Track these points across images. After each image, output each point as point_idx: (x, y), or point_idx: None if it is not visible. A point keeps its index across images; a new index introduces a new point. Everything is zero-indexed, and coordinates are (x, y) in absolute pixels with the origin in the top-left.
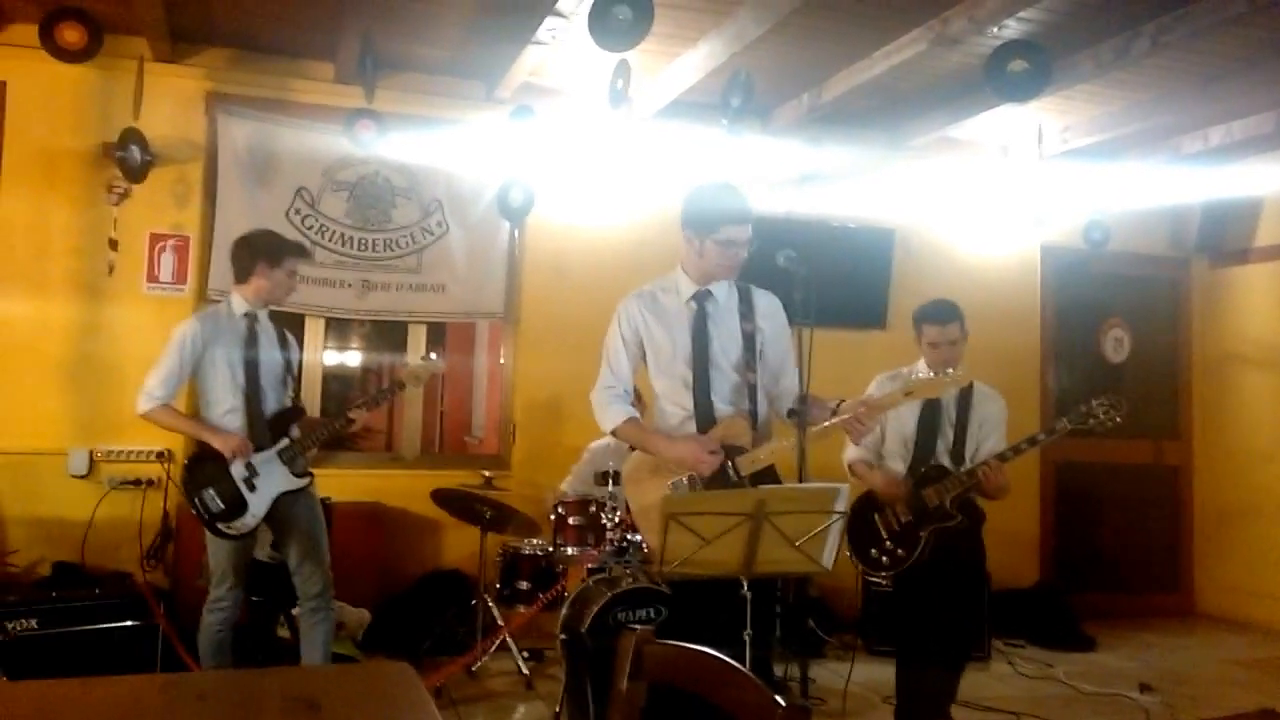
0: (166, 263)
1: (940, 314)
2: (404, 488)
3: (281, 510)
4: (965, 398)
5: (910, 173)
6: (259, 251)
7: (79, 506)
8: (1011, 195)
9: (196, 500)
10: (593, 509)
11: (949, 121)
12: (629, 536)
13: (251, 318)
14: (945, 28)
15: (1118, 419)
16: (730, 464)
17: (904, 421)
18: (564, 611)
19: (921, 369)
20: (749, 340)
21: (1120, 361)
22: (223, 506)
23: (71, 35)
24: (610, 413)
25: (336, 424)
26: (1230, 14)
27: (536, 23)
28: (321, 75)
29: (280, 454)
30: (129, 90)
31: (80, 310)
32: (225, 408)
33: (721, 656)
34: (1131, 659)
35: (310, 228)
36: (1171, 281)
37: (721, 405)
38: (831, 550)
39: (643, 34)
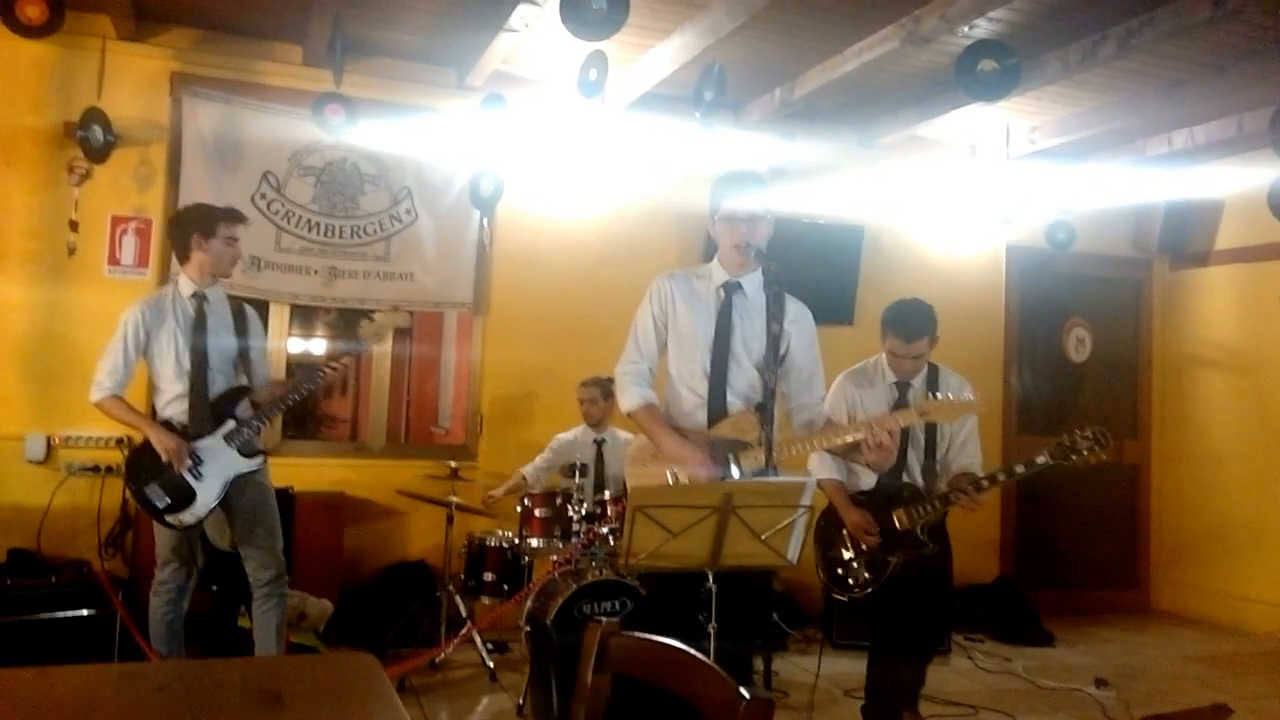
0: (128, 246)
1: (907, 330)
2: (369, 478)
3: (232, 495)
4: (931, 390)
5: (880, 170)
6: (190, 225)
7: (36, 492)
8: (979, 195)
9: (140, 496)
10: (559, 501)
11: (919, 120)
12: (596, 528)
13: (200, 298)
14: (917, 26)
15: (1103, 456)
16: (730, 458)
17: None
18: (529, 603)
19: (885, 368)
20: (774, 341)
21: (1082, 361)
22: (169, 501)
23: (32, 11)
24: (628, 395)
25: (291, 397)
26: (1195, 20)
27: (509, 10)
28: (289, 58)
29: (227, 437)
30: (92, 69)
31: (39, 293)
32: (173, 394)
33: (686, 649)
34: (1089, 654)
35: (276, 213)
36: (1133, 282)
37: (734, 399)
38: (797, 544)
39: (618, 25)
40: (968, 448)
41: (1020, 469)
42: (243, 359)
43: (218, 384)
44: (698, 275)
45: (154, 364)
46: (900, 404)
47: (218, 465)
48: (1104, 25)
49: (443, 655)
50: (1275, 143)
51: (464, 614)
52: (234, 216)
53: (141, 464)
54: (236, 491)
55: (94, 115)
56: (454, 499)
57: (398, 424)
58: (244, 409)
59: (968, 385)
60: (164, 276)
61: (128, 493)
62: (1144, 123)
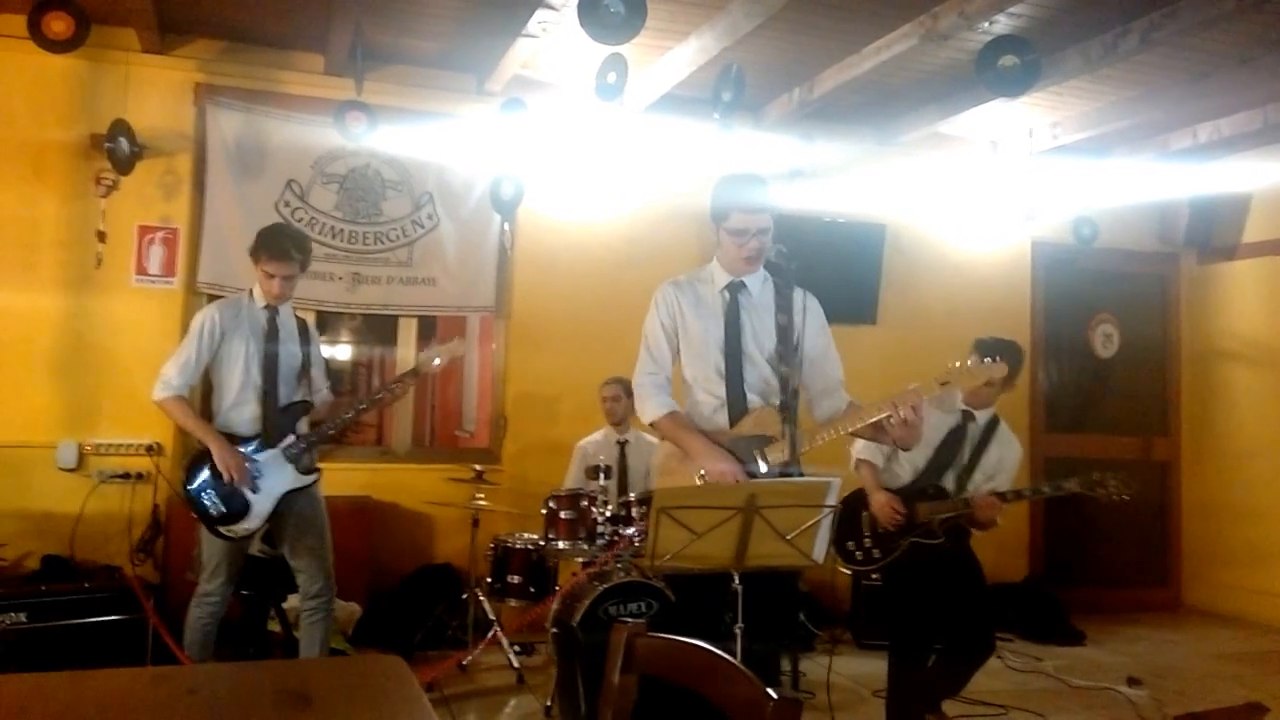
0: (155, 255)
1: (985, 348)
2: (395, 482)
3: (284, 508)
4: (989, 433)
5: (901, 168)
6: (251, 247)
7: (68, 500)
8: (1002, 191)
9: (196, 503)
10: (584, 503)
11: (939, 117)
12: (621, 530)
13: (272, 310)
14: (936, 23)
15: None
16: (756, 454)
17: (929, 435)
18: (555, 605)
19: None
20: (784, 334)
21: (1109, 357)
22: (224, 510)
23: (59, 25)
24: (650, 405)
25: (347, 416)
26: (1219, 12)
27: (527, 15)
28: (311, 67)
29: (285, 451)
30: (117, 81)
31: (68, 302)
32: (234, 399)
33: (713, 650)
34: (1120, 653)
35: (300, 220)
36: (1160, 277)
37: (753, 396)
38: (823, 544)
39: (637, 28)
40: (993, 484)
41: (1046, 489)
42: (305, 372)
43: (282, 396)
44: (700, 279)
45: (220, 368)
46: (957, 434)
47: (274, 479)
48: (1126, 18)
49: (470, 658)
50: None
51: (491, 616)
52: (272, 253)
53: (198, 472)
54: (290, 505)
55: (120, 127)
56: (479, 501)
57: (423, 428)
58: (304, 425)
59: (1018, 445)
60: (191, 285)
61: (181, 497)
62: (1168, 116)
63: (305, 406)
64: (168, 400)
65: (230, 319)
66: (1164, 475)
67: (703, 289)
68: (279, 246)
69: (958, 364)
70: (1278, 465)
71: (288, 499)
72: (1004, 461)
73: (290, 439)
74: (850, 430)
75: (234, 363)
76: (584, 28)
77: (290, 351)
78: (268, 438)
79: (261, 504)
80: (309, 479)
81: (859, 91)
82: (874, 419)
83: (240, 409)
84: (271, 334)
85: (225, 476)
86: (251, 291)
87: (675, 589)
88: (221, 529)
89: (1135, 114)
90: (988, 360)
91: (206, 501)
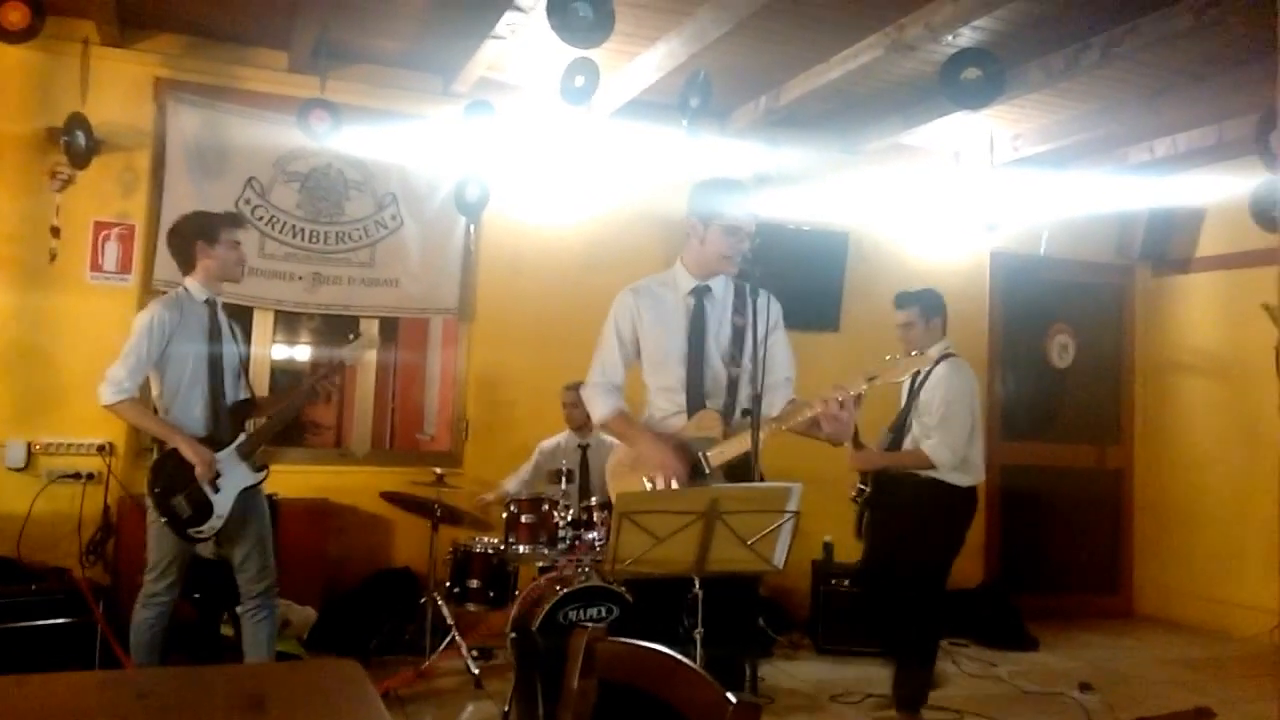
0: (111, 252)
1: (896, 299)
2: (353, 485)
3: (237, 507)
4: (927, 376)
5: (864, 177)
6: (193, 233)
7: (16, 499)
8: (963, 201)
9: (167, 508)
10: (545, 508)
11: (903, 127)
12: (582, 535)
13: (212, 305)
14: (902, 34)
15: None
16: (701, 456)
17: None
18: (514, 610)
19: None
20: (738, 334)
21: (1065, 367)
22: (191, 512)
23: (14, 15)
24: (599, 406)
25: (287, 413)
26: (1177, 29)
27: (495, 17)
28: (274, 64)
29: (239, 449)
30: (75, 74)
31: (20, 299)
32: (181, 398)
33: (673, 654)
34: (1073, 658)
35: (261, 218)
36: (1116, 289)
37: (710, 402)
38: (783, 550)
39: (607, 32)
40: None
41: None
42: (244, 370)
43: (228, 394)
44: (661, 283)
45: (166, 367)
46: (911, 396)
47: (232, 477)
48: (1087, 34)
49: (427, 662)
50: (1260, 150)
51: (449, 621)
52: (234, 221)
53: (168, 474)
54: (241, 504)
55: (77, 121)
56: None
57: (383, 430)
58: (251, 424)
59: (949, 382)
60: (147, 283)
61: (150, 503)
62: (1126, 130)
63: (250, 405)
64: (122, 404)
65: (177, 316)
66: (1117, 483)
67: (664, 294)
68: (230, 215)
69: (887, 358)
70: (1227, 474)
71: (241, 497)
72: (930, 397)
73: (242, 437)
74: (787, 427)
75: (181, 362)
76: (554, 30)
77: (231, 349)
78: (220, 437)
79: (223, 502)
80: (261, 475)
81: (825, 100)
82: (806, 416)
83: (187, 409)
84: (215, 331)
85: (199, 471)
86: (188, 288)
87: (634, 594)
88: (190, 531)
89: (1094, 128)
90: (914, 353)
91: (176, 506)
